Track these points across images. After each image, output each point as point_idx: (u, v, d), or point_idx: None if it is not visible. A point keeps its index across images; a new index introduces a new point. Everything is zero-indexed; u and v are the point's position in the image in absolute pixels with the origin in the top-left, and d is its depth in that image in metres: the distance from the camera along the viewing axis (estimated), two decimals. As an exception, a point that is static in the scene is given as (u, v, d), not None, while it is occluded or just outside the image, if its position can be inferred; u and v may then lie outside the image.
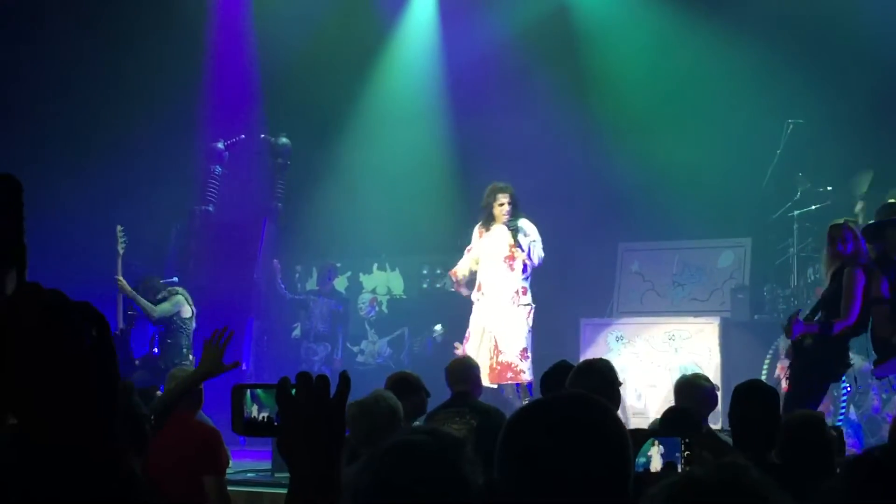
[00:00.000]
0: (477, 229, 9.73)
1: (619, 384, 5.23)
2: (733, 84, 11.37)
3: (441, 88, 13.01)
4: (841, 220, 7.60)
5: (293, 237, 13.02)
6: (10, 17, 12.03)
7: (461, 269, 9.77)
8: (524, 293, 9.59)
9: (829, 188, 10.59)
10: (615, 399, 5.04)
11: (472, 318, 9.67)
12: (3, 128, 11.77)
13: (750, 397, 4.61)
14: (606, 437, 1.87)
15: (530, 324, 9.59)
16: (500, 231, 9.58)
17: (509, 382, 9.42)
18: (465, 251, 9.81)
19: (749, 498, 1.46)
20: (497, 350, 9.47)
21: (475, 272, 9.71)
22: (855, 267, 7.17)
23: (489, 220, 9.62)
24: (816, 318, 7.41)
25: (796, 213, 10.59)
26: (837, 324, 7.15)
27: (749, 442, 4.43)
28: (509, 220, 9.53)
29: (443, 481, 1.82)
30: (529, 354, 9.47)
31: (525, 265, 9.55)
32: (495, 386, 9.38)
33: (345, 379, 1.84)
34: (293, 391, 1.83)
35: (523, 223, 9.60)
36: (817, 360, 7.25)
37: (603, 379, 5.00)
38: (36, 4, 12.26)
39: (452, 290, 10.07)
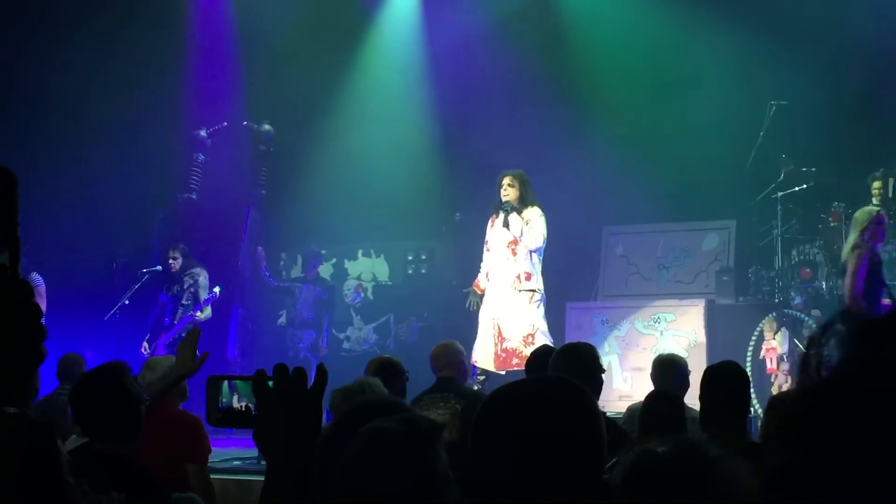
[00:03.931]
0: (490, 220, 9.62)
1: (602, 370, 5.22)
2: (716, 66, 11.36)
3: (424, 74, 12.98)
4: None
5: (277, 224, 12.99)
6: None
7: (483, 280, 9.55)
8: (528, 278, 9.32)
9: (813, 169, 10.61)
10: (596, 383, 5.03)
11: (482, 307, 9.53)
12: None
13: (716, 378, 4.64)
14: (576, 419, 1.86)
15: (539, 309, 9.39)
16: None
17: (516, 369, 8.98)
18: (484, 248, 9.66)
19: (699, 468, 1.46)
20: (501, 337, 9.32)
21: None
22: None
23: (498, 207, 9.54)
24: None
25: (780, 194, 10.60)
26: None
27: (716, 422, 4.43)
28: (506, 204, 9.40)
29: (411, 470, 1.81)
30: (544, 339, 9.07)
31: (530, 251, 9.42)
32: (503, 373, 9.14)
33: (322, 371, 1.83)
34: (270, 383, 1.82)
35: (528, 210, 9.45)
36: None
37: (583, 362, 5.00)
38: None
39: (474, 308, 9.60)
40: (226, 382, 1.97)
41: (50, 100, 12.09)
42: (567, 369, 4.78)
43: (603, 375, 5.23)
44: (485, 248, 9.63)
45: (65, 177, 11.88)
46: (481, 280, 9.59)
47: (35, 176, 10.86)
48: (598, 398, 5.03)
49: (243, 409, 1.95)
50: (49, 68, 12.06)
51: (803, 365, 1.03)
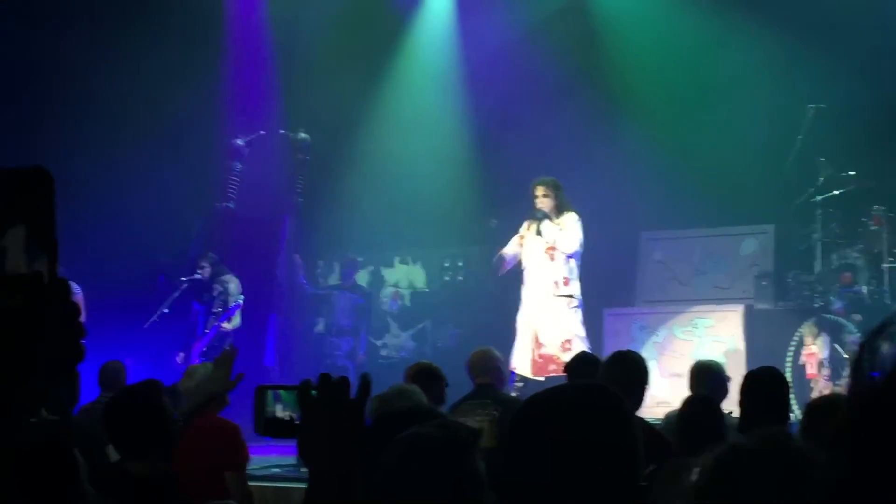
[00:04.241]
0: (526, 223, 9.61)
1: (646, 381, 5.22)
2: (754, 69, 11.29)
3: (459, 80, 12.99)
4: None
5: (314, 232, 13.03)
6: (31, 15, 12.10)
7: (507, 249, 9.57)
8: (566, 283, 9.36)
9: (852, 173, 10.49)
10: (640, 391, 5.02)
11: (519, 312, 9.53)
12: (25, 124, 11.87)
13: (756, 384, 4.62)
14: (612, 426, 1.86)
15: (576, 315, 9.38)
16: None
17: (554, 375, 8.93)
18: (517, 239, 9.64)
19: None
20: (538, 343, 9.33)
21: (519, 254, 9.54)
22: None
23: (533, 216, 9.51)
24: None
25: (819, 198, 10.48)
26: None
27: (756, 428, 4.40)
28: (539, 212, 9.40)
29: (448, 475, 1.82)
30: (582, 345, 9.08)
31: (568, 256, 9.40)
32: (542, 379, 9.11)
33: (365, 381, 1.85)
34: (314, 392, 1.84)
35: (563, 217, 9.43)
36: None
37: (628, 371, 5.01)
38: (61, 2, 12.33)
39: (499, 273, 9.66)
40: (270, 392, 1.99)
41: (89, 110, 12.19)
42: (611, 377, 4.80)
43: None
44: (518, 240, 9.58)
45: (103, 186, 11.97)
46: (506, 251, 9.55)
47: (74, 185, 10.97)
48: (640, 406, 5.03)
49: (288, 418, 1.96)
50: (87, 80, 12.17)
51: (855, 369, 1.01)
